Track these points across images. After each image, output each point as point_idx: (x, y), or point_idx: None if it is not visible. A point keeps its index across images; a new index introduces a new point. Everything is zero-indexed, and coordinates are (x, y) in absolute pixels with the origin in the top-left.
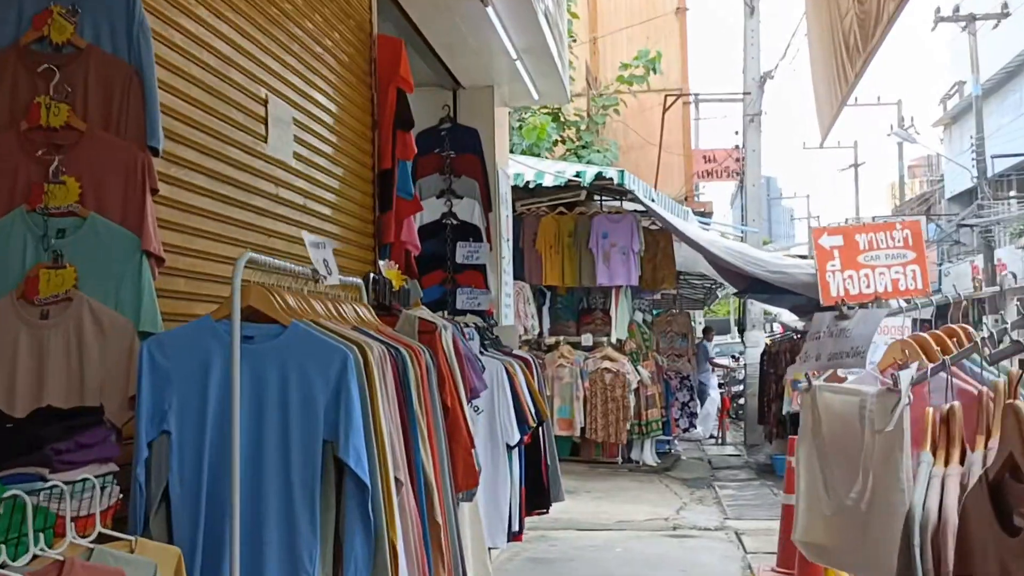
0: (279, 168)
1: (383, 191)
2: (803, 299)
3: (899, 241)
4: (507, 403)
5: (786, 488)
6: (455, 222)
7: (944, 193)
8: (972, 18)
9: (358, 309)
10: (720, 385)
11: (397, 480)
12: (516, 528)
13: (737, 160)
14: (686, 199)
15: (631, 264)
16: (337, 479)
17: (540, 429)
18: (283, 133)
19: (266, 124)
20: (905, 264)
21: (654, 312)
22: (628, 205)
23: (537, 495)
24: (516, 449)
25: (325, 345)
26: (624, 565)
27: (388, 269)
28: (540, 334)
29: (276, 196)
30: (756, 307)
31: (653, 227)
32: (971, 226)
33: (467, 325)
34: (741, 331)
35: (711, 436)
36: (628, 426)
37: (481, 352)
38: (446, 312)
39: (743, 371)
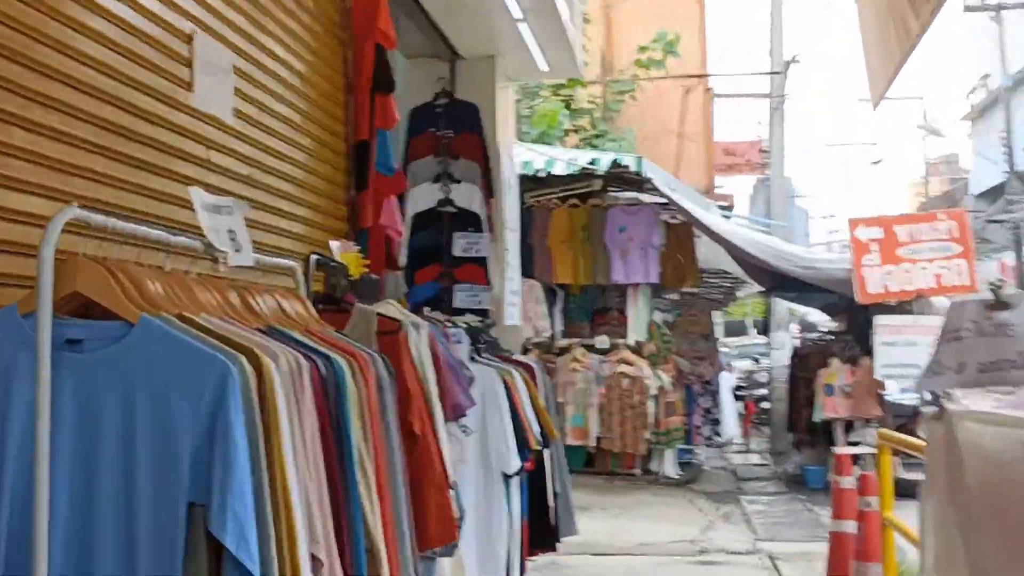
0: (212, 126)
1: (359, 166)
2: (835, 297)
3: (943, 233)
4: (503, 422)
5: (836, 511)
6: (452, 210)
7: (968, 189)
8: (1000, 7)
9: (287, 303)
10: (739, 388)
11: (314, 559)
12: (516, 572)
13: (761, 151)
14: (707, 192)
15: (650, 260)
16: (213, 563)
17: (546, 452)
18: (217, 83)
19: (191, 68)
20: (950, 258)
21: (675, 312)
22: (647, 197)
23: (542, 532)
24: (516, 478)
25: (193, 354)
26: None
27: (345, 251)
28: (552, 336)
29: (207, 162)
30: (781, 306)
31: (673, 220)
32: (1000, 221)
33: (452, 325)
34: (765, 332)
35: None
36: (647, 436)
37: (472, 359)
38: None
39: (766, 374)
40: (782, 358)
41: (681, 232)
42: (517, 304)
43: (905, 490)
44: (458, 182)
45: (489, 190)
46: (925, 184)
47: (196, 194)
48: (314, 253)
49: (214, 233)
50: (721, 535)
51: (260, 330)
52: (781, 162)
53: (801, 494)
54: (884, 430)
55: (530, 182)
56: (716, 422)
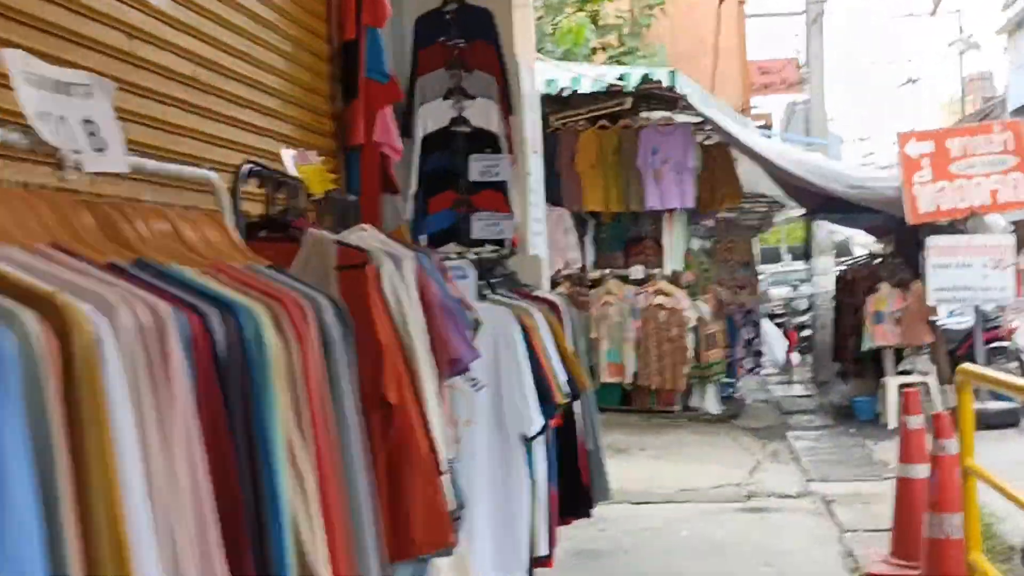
0: (134, 8)
1: (346, 72)
2: (880, 218)
3: (998, 146)
4: (520, 374)
5: (904, 454)
6: (467, 129)
7: (1005, 107)
8: None
9: (193, 230)
10: (777, 316)
11: None
12: (543, 551)
13: (798, 68)
14: (743, 111)
15: (686, 183)
16: None
17: (576, 405)
18: None
19: None
20: (1006, 171)
21: (712, 240)
22: (681, 117)
23: (574, 498)
24: (540, 438)
25: None
26: (692, 557)
27: (302, 163)
28: (583, 268)
29: (129, 54)
30: (823, 230)
31: (708, 142)
32: None
33: (451, 256)
34: (804, 257)
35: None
36: (687, 370)
37: (484, 296)
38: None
39: (806, 301)
40: (825, 284)
41: (718, 153)
42: (542, 233)
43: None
44: (473, 98)
45: (508, 106)
46: (962, 102)
47: (13, 58)
48: (249, 162)
49: (49, 123)
50: (769, 477)
51: (117, 267)
52: (821, 78)
53: (851, 427)
54: (967, 365)
55: (555, 103)
56: (759, 353)
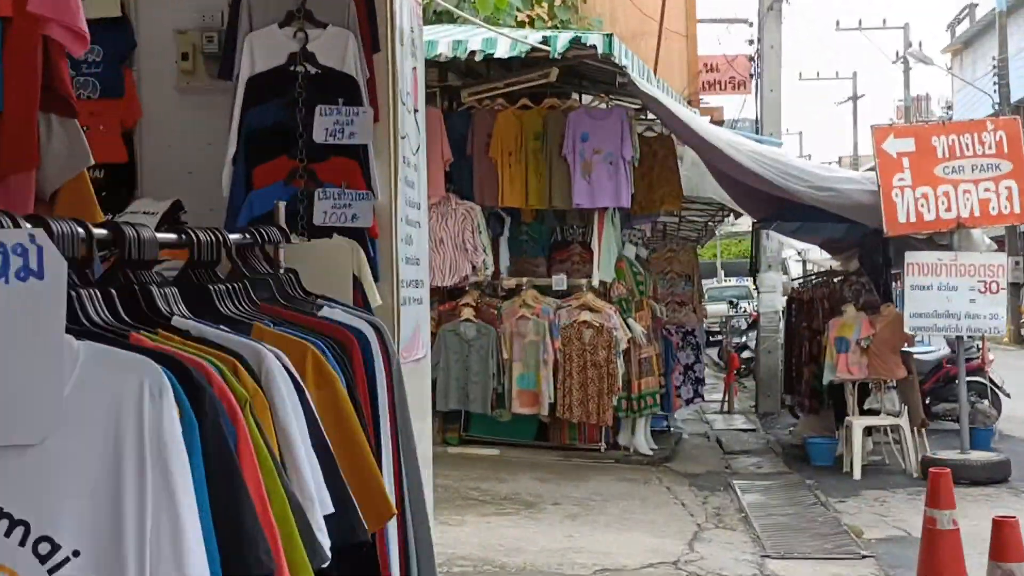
0: None
1: None
2: (840, 230)
3: (990, 147)
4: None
5: (928, 567)
6: (313, 70)
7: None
8: None
9: None
10: (712, 335)
11: None
12: None
13: (749, 59)
14: (690, 103)
15: (621, 178)
16: None
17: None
18: None
19: None
20: (998, 179)
21: (649, 249)
22: (618, 102)
23: None
24: None
25: None
26: None
27: None
28: (495, 274)
29: None
30: (772, 242)
31: (649, 134)
32: None
33: None
34: (754, 272)
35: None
36: (615, 401)
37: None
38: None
39: (743, 320)
40: (773, 302)
41: (659, 146)
42: (422, 225)
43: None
44: (322, 26)
45: (373, 40)
46: (906, 115)
47: None
48: None
49: None
50: (714, 550)
51: None
52: (778, 74)
53: (806, 474)
54: None
55: (467, 74)
56: (699, 381)
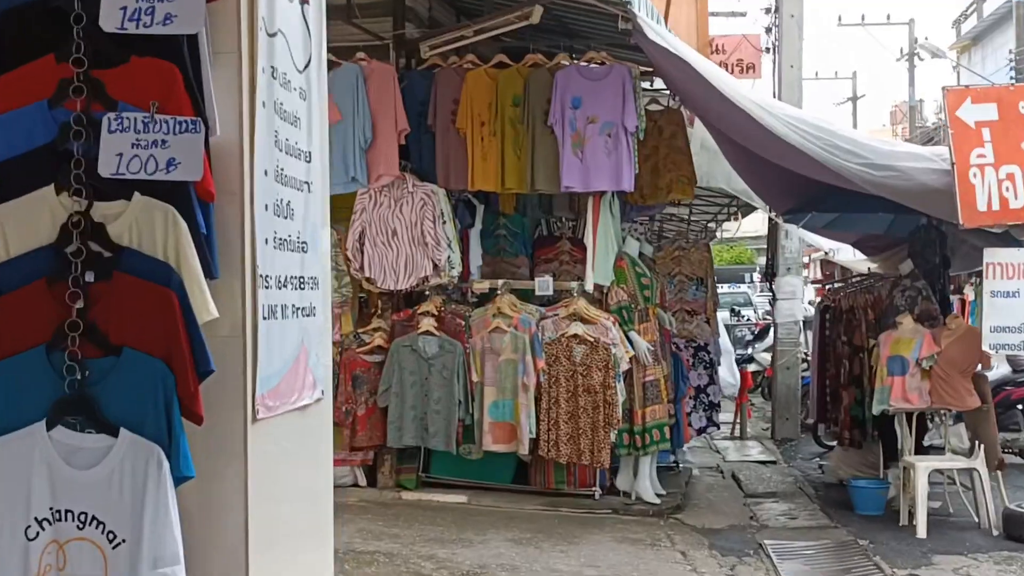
0: None
1: None
2: (882, 224)
3: None
4: None
5: None
6: None
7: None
8: None
9: None
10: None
11: None
12: None
13: (766, 30)
14: None
15: (623, 153)
16: None
17: None
18: None
19: None
20: None
21: (655, 245)
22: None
23: None
24: None
25: None
26: None
27: None
28: (464, 276)
29: None
30: (792, 242)
31: (655, 107)
32: None
33: None
34: (770, 276)
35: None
36: (614, 436)
37: None
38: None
39: (748, 330)
40: (792, 311)
41: (667, 122)
42: (314, 190)
43: None
44: None
45: None
46: (911, 113)
47: None
48: None
49: None
50: None
51: None
52: (797, 48)
53: (852, 527)
54: None
55: (428, 26)
56: (713, 407)
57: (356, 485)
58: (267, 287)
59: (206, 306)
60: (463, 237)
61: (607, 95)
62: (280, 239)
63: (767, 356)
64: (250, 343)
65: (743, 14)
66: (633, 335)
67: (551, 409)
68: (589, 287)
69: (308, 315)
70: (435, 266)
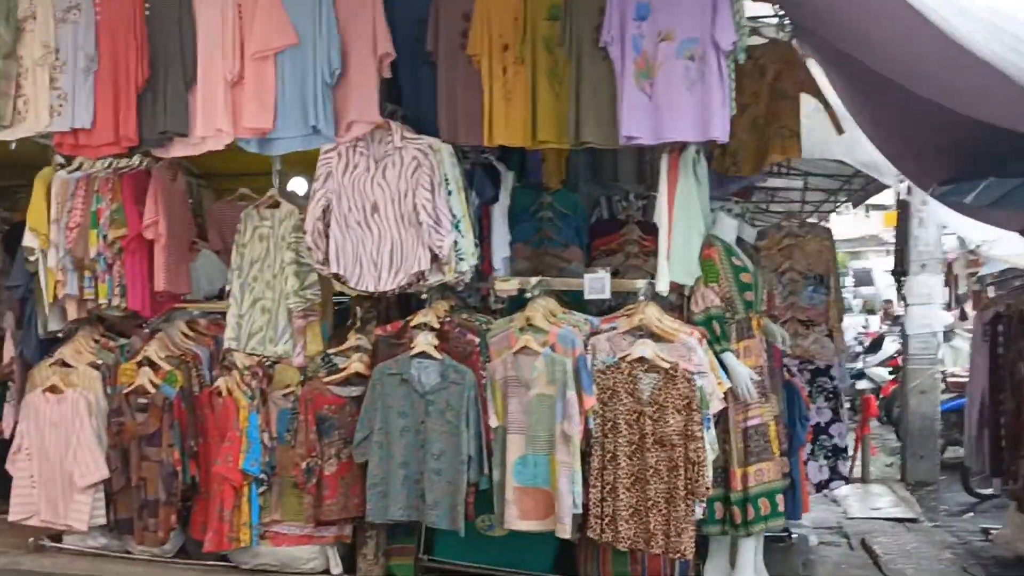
0: None
1: None
2: None
3: None
4: None
5: None
6: None
7: None
8: None
9: None
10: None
11: None
12: None
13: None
14: None
15: (713, 86)
16: None
17: None
18: None
19: None
20: None
21: (758, 229)
22: None
23: None
24: None
25: None
26: None
27: None
28: (484, 271)
29: None
30: (928, 230)
31: (755, 40)
32: None
33: None
34: (900, 275)
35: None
36: (699, 511)
37: None
38: None
39: (857, 342)
40: (929, 320)
41: (771, 59)
42: None
43: None
44: None
45: None
46: None
47: None
48: None
49: None
50: None
51: None
52: None
53: None
54: None
55: None
56: (838, 452)
57: (327, 573)
58: None
59: None
60: (481, 216)
61: (688, 3)
62: None
63: (882, 372)
64: None
65: None
66: (729, 358)
67: (605, 469)
68: (663, 287)
69: None
70: (435, 258)
